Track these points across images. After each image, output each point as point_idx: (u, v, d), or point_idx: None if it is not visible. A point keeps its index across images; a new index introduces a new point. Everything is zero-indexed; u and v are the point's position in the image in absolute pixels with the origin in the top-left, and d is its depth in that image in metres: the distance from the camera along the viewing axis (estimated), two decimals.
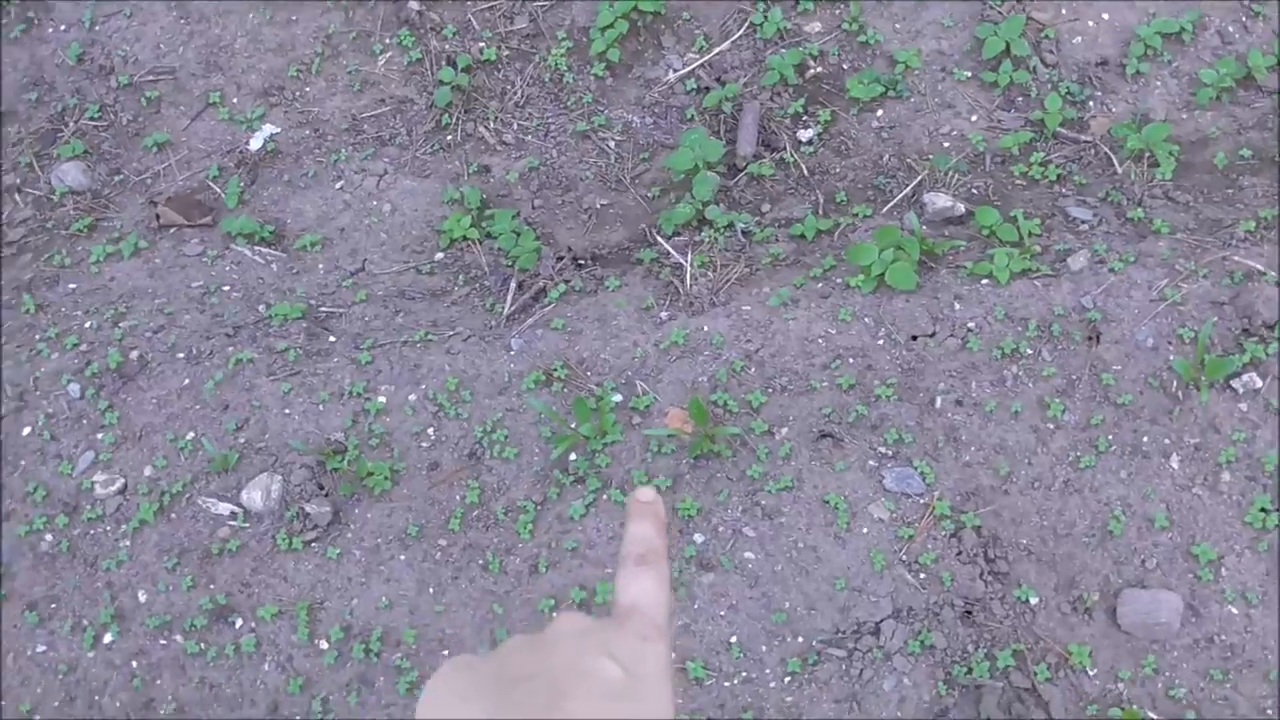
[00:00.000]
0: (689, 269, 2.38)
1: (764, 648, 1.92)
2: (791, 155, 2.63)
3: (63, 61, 3.02)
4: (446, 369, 2.28)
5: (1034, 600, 1.91)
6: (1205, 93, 2.54)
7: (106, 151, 2.98)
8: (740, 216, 2.50)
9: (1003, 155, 2.57)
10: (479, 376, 2.26)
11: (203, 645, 2.06)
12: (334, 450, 2.20)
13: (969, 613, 1.91)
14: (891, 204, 2.51)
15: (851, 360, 2.15)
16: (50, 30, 3.03)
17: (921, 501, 2.01)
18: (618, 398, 2.17)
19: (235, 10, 2.94)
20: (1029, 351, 2.13)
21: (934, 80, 2.67)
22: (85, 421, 2.35)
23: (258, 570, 2.12)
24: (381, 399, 2.25)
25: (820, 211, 2.52)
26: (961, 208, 2.46)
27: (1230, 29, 2.60)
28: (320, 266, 2.64)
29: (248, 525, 2.16)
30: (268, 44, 2.96)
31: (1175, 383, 2.07)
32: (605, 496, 2.07)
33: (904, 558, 1.96)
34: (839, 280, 2.29)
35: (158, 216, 2.82)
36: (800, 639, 1.92)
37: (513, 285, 2.44)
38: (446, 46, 2.90)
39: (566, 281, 2.42)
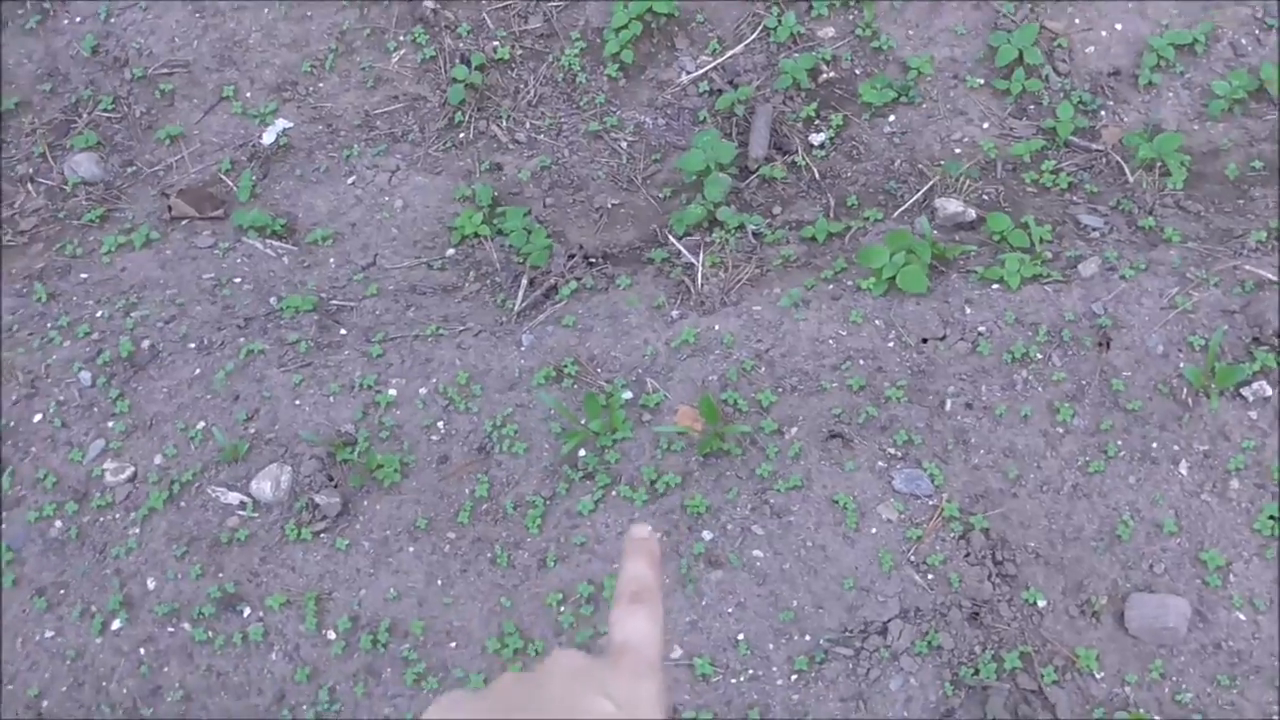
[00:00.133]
0: (700, 268, 2.38)
1: (771, 646, 1.93)
2: (803, 158, 2.64)
3: (77, 53, 3.03)
4: (457, 363, 2.28)
5: (1042, 603, 1.92)
6: (1217, 104, 2.55)
7: (119, 143, 2.99)
8: (751, 218, 2.51)
9: (1014, 162, 2.58)
10: (489, 371, 2.27)
11: (210, 633, 2.06)
12: (344, 442, 2.20)
13: (976, 614, 1.92)
14: (902, 208, 2.52)
15: (862, 362, 2.16)
16: (65, 22, 3.04)
17: (930, 503, 2.01)
18: (628, 395, 2.18)
19: (250, 5, 2.95)
20: (1039, 356, 2.13)
21: (946, 87, 2.68)
22: (96, 409, 2.35)
23: (266, 560, 2.12)
24: (392, 392, 2.26)
25: (831, 214, 2.53)
26: (973, 213, 2.47)
27: (1243, 41, 2.61)
28: (331, 260, 2.65)
29: (257, 515, 2.16)
30: (282, 39, 2.97)
31: (1185, 390, 2.08)
32: (614, 492, 2.08)
33: (912, 558, 1.96)
34: (850, 282, 2.30)
35: (169, 208, 2.83)
36: (807, 637, 1.93)
37: (524, 282, 2.45)
38: (460, 44, 2.91)
39: (578, 279, 2.43)
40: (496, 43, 2.88)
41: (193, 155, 2.94)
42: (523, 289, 2.44)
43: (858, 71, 2.73)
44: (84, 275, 2.68)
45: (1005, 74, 2.65)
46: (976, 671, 1.87)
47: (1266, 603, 1.90)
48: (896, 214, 2.50)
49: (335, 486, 2.16)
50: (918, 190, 2.54)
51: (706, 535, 2.02)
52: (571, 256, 2.49)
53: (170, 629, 2.09)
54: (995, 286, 2.24)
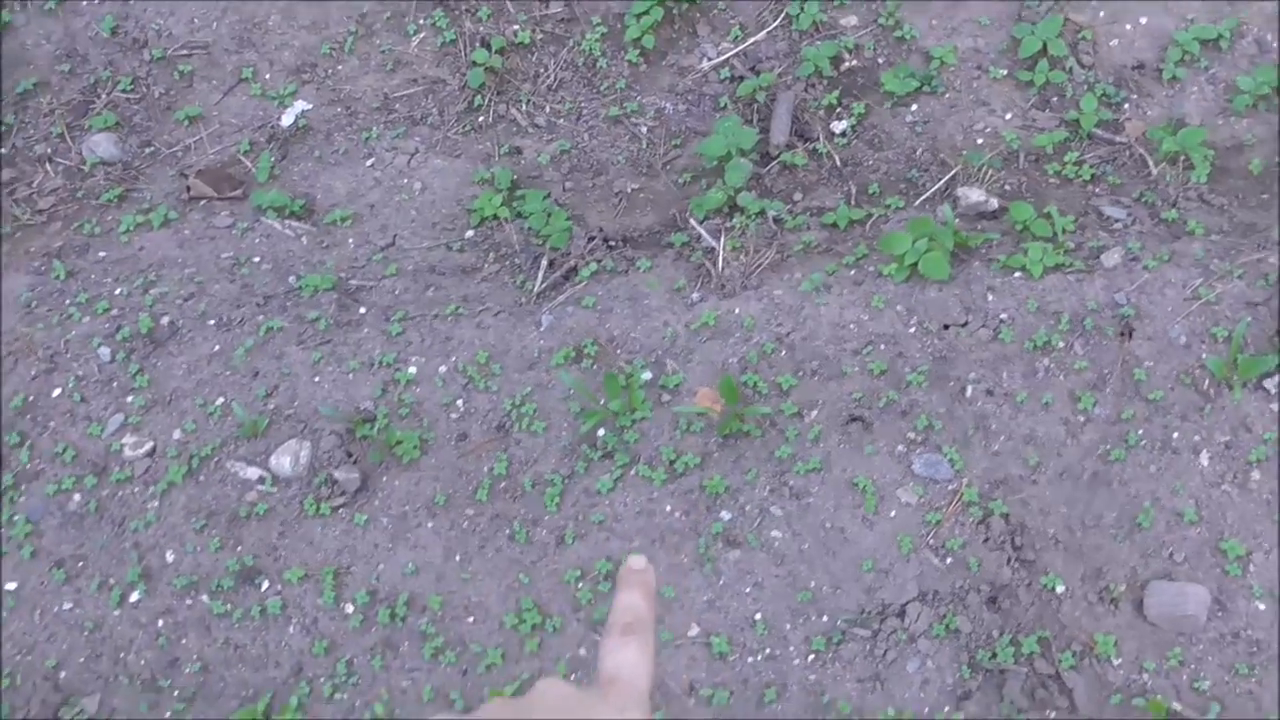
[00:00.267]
0: (721, 252, 2.38)
1: (788, 625, 1.93)
2: (824, 146, 2.64)
3: (96, 34, 3.04)
4: (477, 342, 2.29)
5: (1060, 589, 1.92)
6: (1242, 99, 2.55)
7: (138, 124, 2.99)
8: (772, 204, 2.51)
9: (1037, 154, 2.58)
10: (509, 351, 2.27)
11: (229, 606, 2.06)
12: (363, 419, 2.21)
13: (994, 599, 1.92)
14: (924, 197, 2.51)
15: (883, 347, 2.16)
16: (84, 3, 3.05)
17: (950, 488, 2.01)
18: (647, 375, 2.18)
19: None
20: (1061, 345, 2.13)
21: (969, 77, 2.68)
22: (115, 385, 2.36)
23: (284, 534, 2.12)
24: (412, 370, 2.26)
25: (852, 202, 2.53)
26: (994, 203, 2.46)
27: (1268, 37, 2.60)
28: (350, 241, 2.65)
29: (275, 490, 2.17)
30: (301, 21, 2.98)
31: (1207, 380, 2.07)
32: (633, 472, 2.08)
33: (931, 542, 1.96)
34: (871, 268, 2.30)
35: (188, 188, 2.84)
36: (825, 618, 1.93)
37: (543, 263, 2.45)
38: (480, 28, 2.91)
39: (598, 261, 2.43)
40: (517, 26, 2.88)
41: (211, 136, 2.94)
42: (542, 270, 2.44)
43: (880, 60, 2.73)
44: (102, 254, 2.68)
45: (1029, 66, 2.65)
46: (994, 655, 1.87)
47: None
48: (918, 202, 2.50)
49: (354, 462, 2.17)
50: (939, 179, 2.54)
51: (725, 515, 2.02)
52: (591, 239, 2.49)
53: (188, 601, 2.09)
54: (1018, 275, 2.24)
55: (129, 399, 2.32)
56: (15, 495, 2.24)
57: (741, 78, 2.74)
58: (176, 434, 2.27)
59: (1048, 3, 2.69)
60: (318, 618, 2.04)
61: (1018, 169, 2.56)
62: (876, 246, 2.35)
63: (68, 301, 2.52)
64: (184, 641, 2.06)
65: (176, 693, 2.02)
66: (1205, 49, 2.60)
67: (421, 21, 2.92)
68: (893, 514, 1.99)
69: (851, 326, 2.19)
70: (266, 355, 2.34)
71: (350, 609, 2.03)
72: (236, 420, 2.24)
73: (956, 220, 2.38)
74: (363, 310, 2.42)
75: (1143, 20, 2.65)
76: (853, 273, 2.30)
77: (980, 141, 2.62)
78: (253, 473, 2.19)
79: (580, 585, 2.00)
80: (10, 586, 2.15)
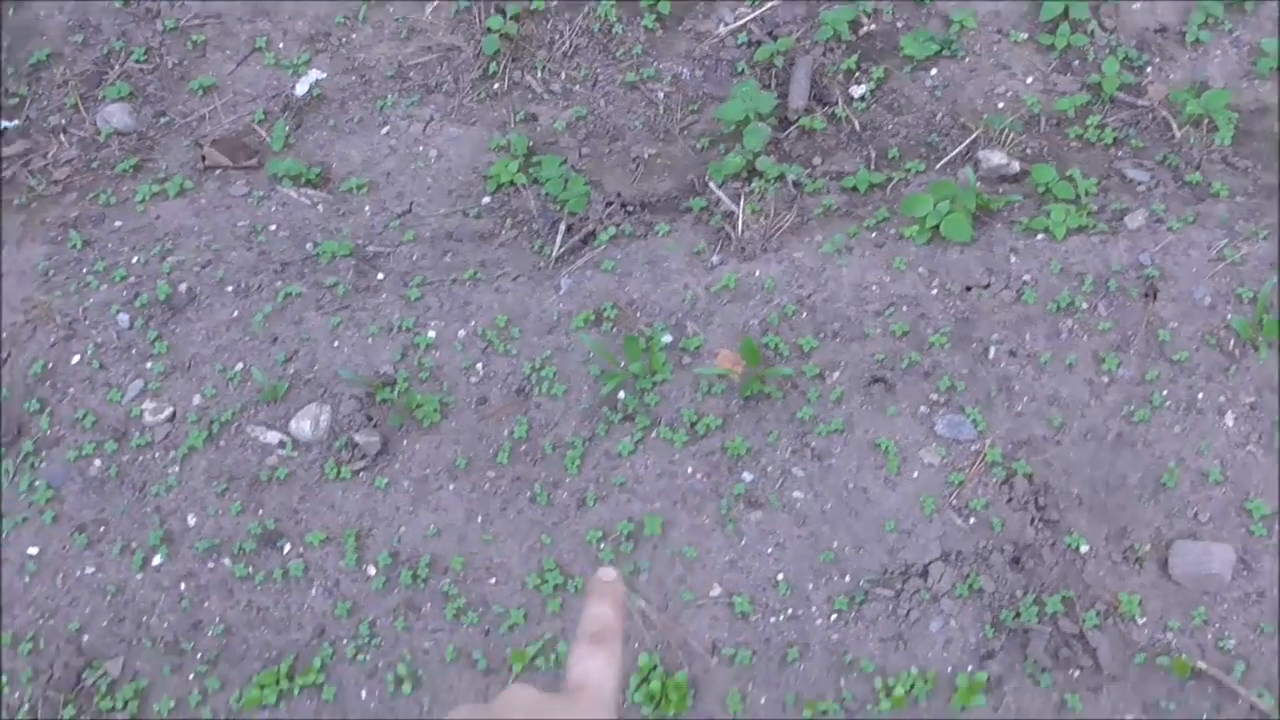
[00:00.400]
0: (741, 215, 2.37)
1: (811, 585, 1.92)
2: (843, 110, 2.62)
3: (108, 4, 3.03)
4: (495, 306, 2.28)
5: (1084, 548, 1.91)
6: (1266, 62, 2.52)
7: (152, 94, 2.98)
8: (791, 168, 2.49)
9: (1058, 117, 2.55)
10: (528, 315, 2.26)
11: (251, 569, 2.07)
12: (383, 382, 2.20)
13: (1018, 559, 1.91)
14: (944, 160, 2.49)
15: (905, 308, 2.14)
16: None
17: (973, 448, 2.00)
18: (668, 338, 2.17)
19: None
20: (1085, 306, 2.12)
21: (990, 41, 2.65)
22: (134, 351, 2.36)
23: (305, 498, 2.13)
24: (431, 334, 2.26)
25: (872, 166, 2.51)
26: (1016, 166, 2.44)
27: None
28: (367, 209, 2.64)
29: (296, 454, 2.17)
30: None
31: (1232, 341, 2.06)
32: (654, 434, 2.07)
33: (954, 502, 1.95)
34: (892, 231, 2.28)
35: (203, 158, 2.83)
36: (848, 578, 1.92)
37: (561, 228, 2.44)
38: None
39: (616, 225, 2.42)
40: None
41: (225, 106, 2.93)
42: (560, 235, 2.43)
43: (899, 24, 2.70)
44: (118, 223, 2.68)
45: (1050, 29, 2.62)
46: (1018, 614, 1.86)
47: None
48: (939, 166, 2.48)
49: (374, 426, 2.16)
50: (960, 143, 2.52)
51: (746, 476, 2.02)
52: (609, 204, 2.48)
53: (210, 565, 2.09)
54: (1040, 236, 2.22)
55: (148, 365, 2.32)
56: (36, 461, 2.25)
57: (759, 42, 2.72)
58: (196, 399, 2.27)
59: None
60: (339, 580, 2.04)
61: (1039, 133, 2.54)
62: (897, 209, 2.33)
63: (85, 270, 2.52)
64: (206, 604, 2.06)
65: (199, 655, 2.02)
66: (1229, 12, 2.57)
67: None
68: (915, 475, 1.98)
69: (873, 288, 2.18)
70: (285, 321, 2.33)
71: (372, 571, 2.04)
72: (256, 385, 2.24)
73: (978, 183, 2.36)
74: (380, 276, 2.41)
75: None
76: (873, 235, 2.28)
77: (1001, 105, 2.60)
78: (273, 437, 2.19)
79: (602, 546, 2.00)
80: (32, 551, 2.16)
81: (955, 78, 2.63)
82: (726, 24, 2.77)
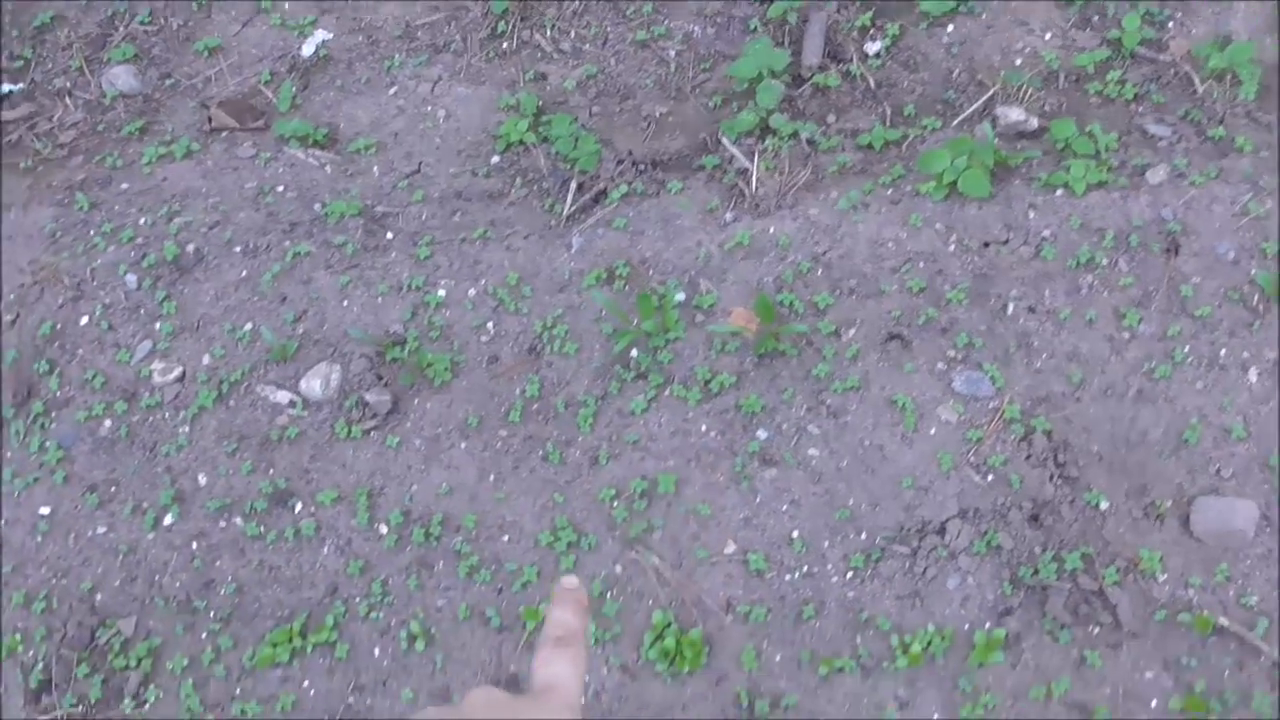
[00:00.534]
0: (755, 172, 2.33)
1: (826, 543, 1.91)
2: (858, 68, 2.57)
3: None
4: (506, 265, 2.25)
5: (1104, 505, 1.88)
6: None
7: (157, 56, 2.95)
8: (805, 126, 2.45)
9: (1077, 73, 2.50)
10: (539, 273, 2.23)
11: (262, 528, 2.06)
12: (393, 341, 2.18)
13: (1036, 515, 1.89)
14: (961, 117, 2.45)
15: (922, 264, 2.11)
16: None
17: (991, 405, 1.97)
18: (681, 296, 2.14)
19: None
20: (1105, 261, 2.08)
21: None
22: (142, 311, 2.34)
23: (316, 457, 2.11)
24: (441, 293, 2.23)
25: (888, 123, 2.47)
26: (1034, 122, 2.40)
27: None
28: (375, 169, 2.61)
29: (306, 414, 2.15)
30: None
31: (1256, 296, 2.02)
32: (668, 392, 2.05)
33: (971, 459, 1.93)
34: (909, 188, 2.25)
35: (209, 119, 2.80)
36: (864, 535, 1.90)
37: (572, 186, 2.40)
38: None
39: (628, 183, 2.38)
40: None
41: (231, 67, 2.90)
42: (571, 193, 2.39)
43: None
44: (125, 185, 2.65)
45: None
46: (1036, 572, 1.84)
47: None
48: (955, 123, 2.43)
49: (385, 385, 2.14)
50: (977, 99, 2.47)
51: (761, 434, 1.99)
52: (620, 162, 2.45)
53: (222, 524, 2.08)
54: (1060, 192, 2.18)
55: (157, 325, 2.30)
56: (46, 422, 2.24)
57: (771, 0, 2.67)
58: (205, 359, 2.25)
59: None
60: (351, 539, 2.03)
61: (1058, 89, 2.49)
62: (913, 167, 2.29)
63: (92, 232, 2.50)
64: (218, 563, 2.05)
65: (212, 614, 2.02)
66: None
67: None
68: (932, 432, 1.96)
69: (889, 244, 2.14)
70: (294, 280, 2.31)
71: (384, 530, 2.02)
72: (265, 345, 2.22)
73: (996, 139, 2.32)
74: (390, 235, 2.39)
75: None
76: (890, 192, 2.25)
77: (1019, 62, 2.55)
78: (283, 396, 2.18)
79: (615, 504, 1.98)
80: (44, 511, 2.15)
81: (972, 34, 2.58)
82: None
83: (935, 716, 1.78)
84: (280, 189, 2.56)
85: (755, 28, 2.66)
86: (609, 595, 1.92)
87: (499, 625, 1.93)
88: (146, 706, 1.95)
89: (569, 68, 2.73)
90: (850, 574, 1.88)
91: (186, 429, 2.18)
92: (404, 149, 2.64)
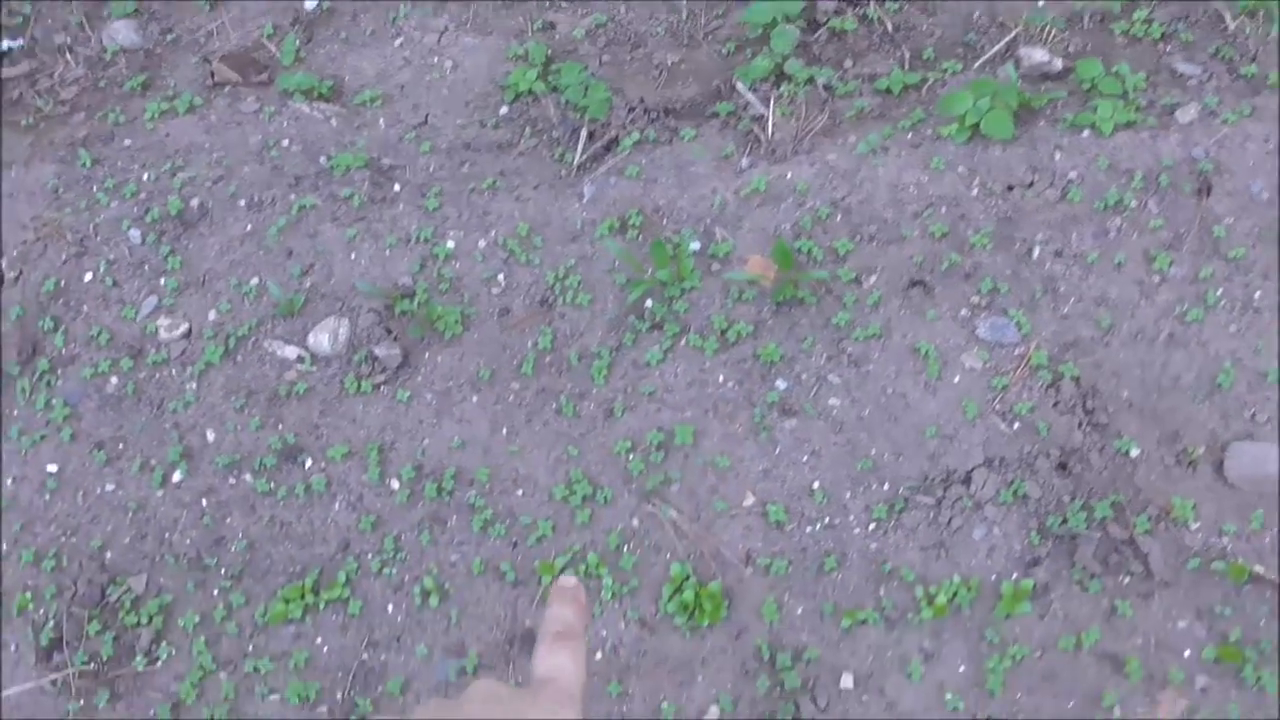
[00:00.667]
0: (771, 118, 2.27)
1: (848, 494, 1.86)
2: (875, 11, 2.49)
3: None
4: (516, 215, 2.20)
5: (1135, 452, 1.83)
6: None
7: (158, 10, 2.89)
8: (821, 71, 2.38)
9: (1102, 13, 2.42)
10: (550, 223, 2.18)
11: (272, 484, 2.02)
12: (402, 294, 2.13)
13: (1065, 464, 1.84)
14: (983, 60, 2.37)
15: (944, 209, 2.05)
16: None
17: (1017, 351, 1.92)
18: (696, 245, 2.09)
19: None
20: (1134, 203, 2.01)
21: None
22: (147, 267, 2.30)
23: (326, 412, 2.07)
24: (450, 244, 2.18)
25: (906, 67, 2.40)
26: (1059, 64, 2.32)
27: None
28: (381, 121, 2.55)
29: (315, 369, 2.11)
30: None
31: None
32: (683, 342, 2.00)
33: (997, 407, 1.88)
34: (929, 132, 2.18)
35: (212, 74, 2.74)
36: (886, 486, 1.86)
37: (583, 134, 2.34)
38: None
39: (640, 131, 2.32)
40: None
41: (233, 21, 2.83)
42: (582, 141, 2.33)
43: None
44: (128, 141, 2.60)
45: None
46: (1064, 521, 1.79)
47: None
48: (976, 65, 2.36)
49: (394, 339, 2.10)
50: (999, 41, 2.39)
51: (780, 384, 1.94)
52: (632, 110, 2.38)
53: (231, 480, 2.05)
54: (1086, 133, 2.11)
55: (162, 281, 2.26)
56: (52, 379, 2.20)
57: None
58: (212, 315, 2.21)
59: None
60: (363, 494, 2.00)
61: (1082, 29, 2.41)
62: (934, 111, 2.22)
63: (94, 188, 2.45)
64: (228, 520, 2.02)
65: (223, 570, 1.99)
66: None
67: None
68: (956, 379, 1.91)
69: (910, 189, 2.08)
70: (300, 234, 2.26)
71: (396, 484, 1.99)
72: (272, 299, 2.18)
73: (1019, 81, 2.24)
74: (397, 187, 2.33)
75: None
76: (910, 136, 2.18)
77: (1041, 3, 2.47)
78: (291, 351, 2.14)
79: (631, 457, 1.93)
80: (52, 469, 2.12)
81: None
82: None
83: (961, 668, 1.74)
84: (285, 143, 2.51)
85: None
86: (626, 549, 1.88)
87: (514, 580, 1.89)
88: (159, 664, 1.93)
89: (578, 16, 2.66)
90: (873, 525, 1.84)
91: (194, 385, 2.14)
92: (410, 101, 2.58)
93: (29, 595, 2.01)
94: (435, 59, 2.65)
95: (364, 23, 2.74)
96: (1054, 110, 2.19)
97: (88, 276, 2.31)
